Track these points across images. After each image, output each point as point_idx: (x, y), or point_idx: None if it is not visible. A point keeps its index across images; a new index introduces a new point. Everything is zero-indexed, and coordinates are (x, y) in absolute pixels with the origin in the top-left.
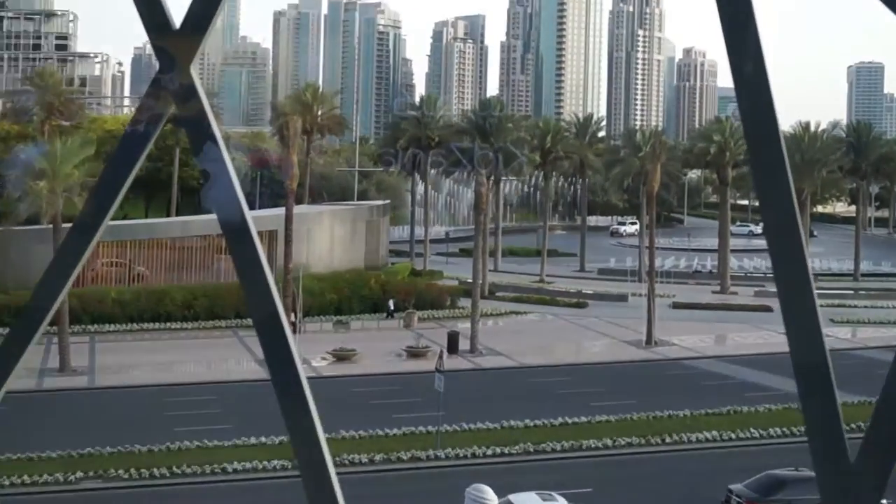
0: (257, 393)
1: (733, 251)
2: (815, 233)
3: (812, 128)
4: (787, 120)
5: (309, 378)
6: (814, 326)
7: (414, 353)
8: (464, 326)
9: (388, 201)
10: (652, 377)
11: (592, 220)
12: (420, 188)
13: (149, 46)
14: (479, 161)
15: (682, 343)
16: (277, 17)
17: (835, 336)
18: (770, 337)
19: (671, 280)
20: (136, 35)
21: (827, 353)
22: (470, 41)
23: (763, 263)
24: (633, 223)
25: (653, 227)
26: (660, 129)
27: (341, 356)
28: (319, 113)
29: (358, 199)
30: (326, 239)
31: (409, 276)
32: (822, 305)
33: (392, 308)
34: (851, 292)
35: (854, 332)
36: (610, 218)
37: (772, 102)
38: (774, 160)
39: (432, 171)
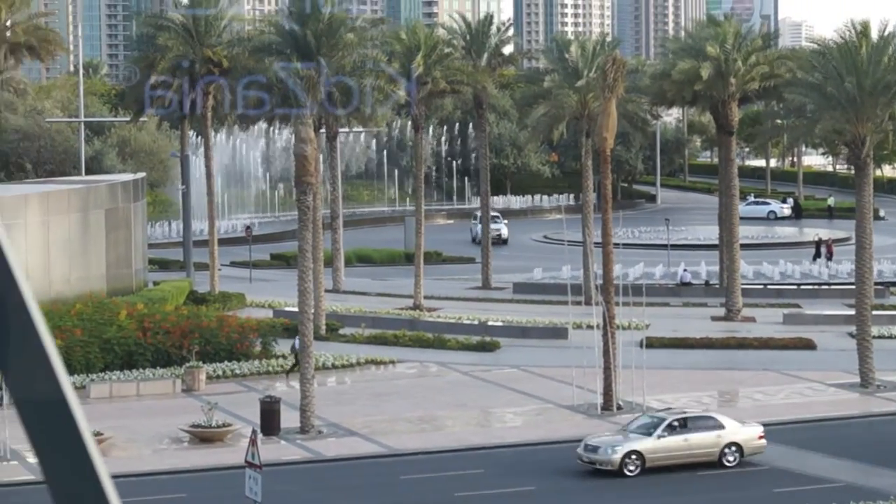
0: None
1: (745, 247)
2: (882, 212)
3: (877, 31)
4: (830, 20)
5: (20, 484)
6: None
7: (204, 436)
8: (287, 389)
9: (141, 174)
10: None
11: (500, 201)
12: (197, 150)
13: None
14: (299, 98)
15: (665, 406)
16: None
17: None
18: (814, 392)
19: (641, 299)
20: None
21: None
22: None
23: (797, 268)
24: (494, 217)
25: (608, 209)
26: (609, 38)
27: None
28: (10, 22)
29: (89, 172)
30: (37, 242)
31: (188, 305)
32: None
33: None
34: None
35: None
36: (526, 198)
37: None
38: None
39: (219, 120)
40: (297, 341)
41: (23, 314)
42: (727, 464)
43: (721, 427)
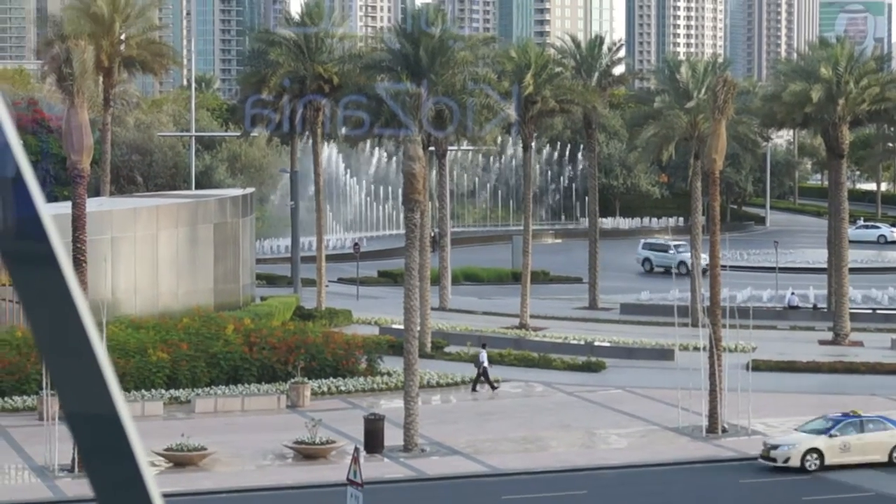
0: None
1: (854, 271)
2: None
3: None
4: None
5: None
6: None
7: (307, 452)
8: (392, 406)
9: (251, 190)
10: (720, 487)
11: (608, 222)
12: (306, 167)
13: None
14: (408, 115)
15: (771, 430)
16: None
17: None
18: None
19: (749, 322)
20: None
21: None
22: None
23: None
24: (677, 247)
25: (716, 231)
26: (721, 60)
27: (181, 458)
28: (125, 36)
29: (198, 187)
30: (146, 256)
31: (295, 320)
32: None
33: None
34: None
35: None
36: (635, 220)
37: None
38: None
39: (327, 136)
40: (482, 355)
41: (76, 326)
42: None
43: None
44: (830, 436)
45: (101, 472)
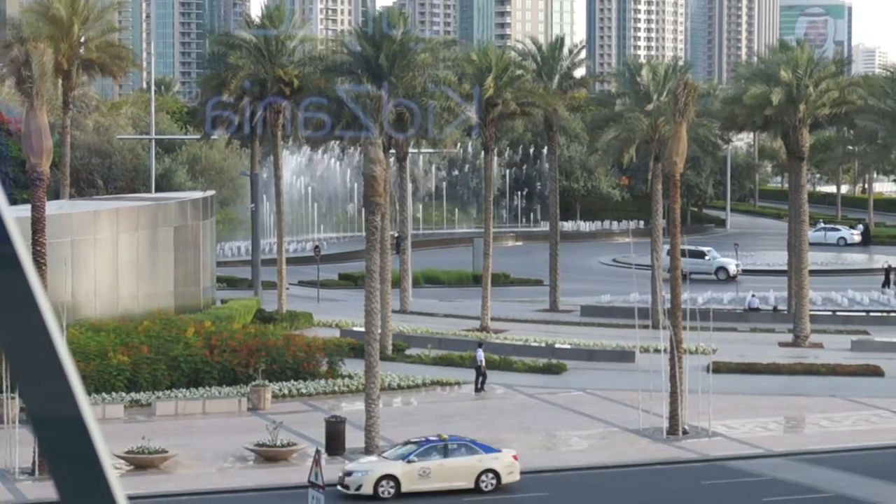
0: None
1: (814, 273)
2: None
3: None
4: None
5: None
6: None
7: (269, 455)
8: (353, 409)
9: (211, 192)
10: (679, 489)
11: (569, 225)
12: (267, 169)
13: None
14: (369, 118)
15: (730, 431)
16: None
17: None
18: (881, 420)
19: (709, 324)
20: None
21: None
22: None
23: (866, 295)
24: (703, 251)
25: (677, 234)
26: (681, 63)
27: (142, 461)
28: (84, 39)
29: (159, 190)
30: (107, 259)
31: (256, 323)
32: None
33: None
34: None
35: None
36: (595, 223)
37: None
38: None
39: (288, 138)
40: (479, 354)
41: (39, 328)
42: None
43: None
44: (408, 461)
45: (65, 474)
